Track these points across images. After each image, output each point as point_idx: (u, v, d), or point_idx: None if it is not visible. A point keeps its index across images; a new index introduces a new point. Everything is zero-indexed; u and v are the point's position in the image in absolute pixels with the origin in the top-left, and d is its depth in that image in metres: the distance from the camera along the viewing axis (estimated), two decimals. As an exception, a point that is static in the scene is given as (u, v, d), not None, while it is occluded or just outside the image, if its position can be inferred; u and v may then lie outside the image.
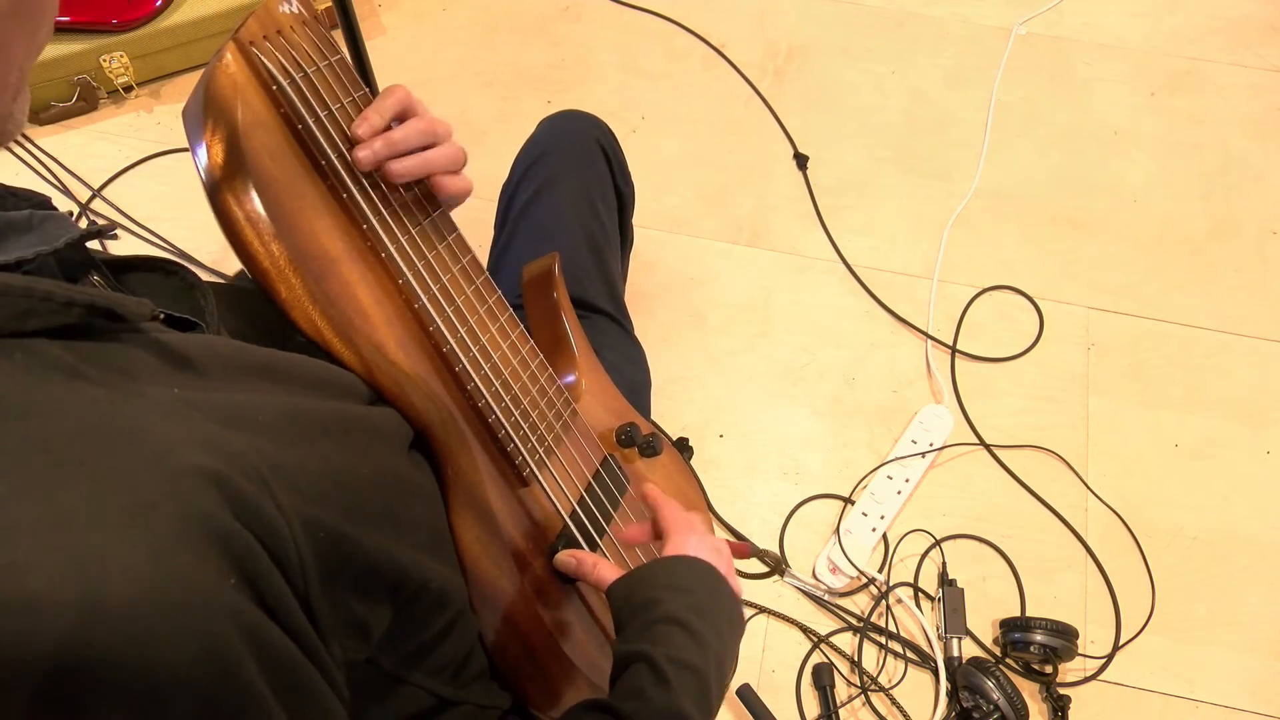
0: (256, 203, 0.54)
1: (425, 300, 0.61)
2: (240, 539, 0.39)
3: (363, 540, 0.48)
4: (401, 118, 0.62)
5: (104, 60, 1.59)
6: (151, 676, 0.34)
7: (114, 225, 0.52)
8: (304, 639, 0.42)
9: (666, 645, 0.60)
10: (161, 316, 0.47)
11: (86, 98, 1.63)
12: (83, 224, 0.47)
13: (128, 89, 1.65)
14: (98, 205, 1.54)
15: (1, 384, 0.37)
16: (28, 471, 0.35)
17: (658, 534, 0.73)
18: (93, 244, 0.49)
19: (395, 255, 0.60)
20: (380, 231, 0.60)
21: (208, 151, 0.53)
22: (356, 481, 0.50)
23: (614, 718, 0.58)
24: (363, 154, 0.59)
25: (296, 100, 0.56)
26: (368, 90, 0.61)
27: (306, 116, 0.56)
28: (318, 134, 0.57)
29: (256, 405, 0.46)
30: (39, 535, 0.34)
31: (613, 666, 0.62)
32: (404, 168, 0.60)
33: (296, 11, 0.58)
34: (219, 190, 0.53)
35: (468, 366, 0.63)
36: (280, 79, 0.55)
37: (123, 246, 1.47)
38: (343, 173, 0.58)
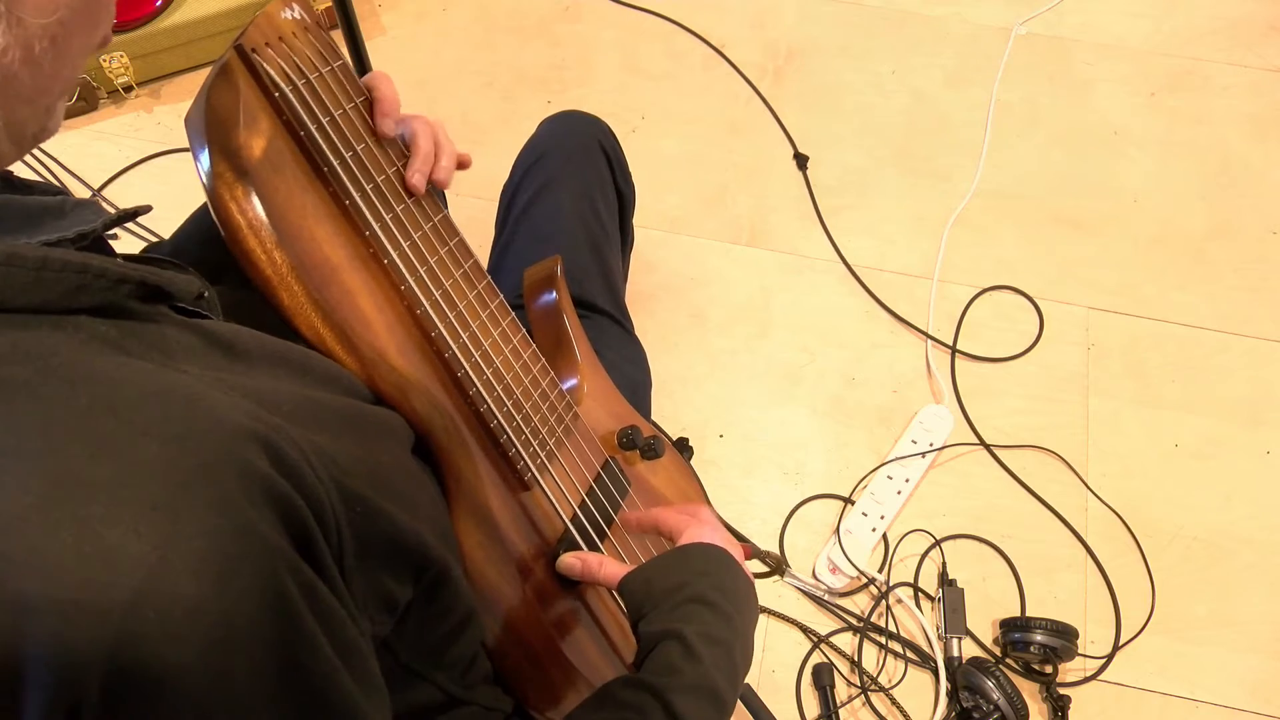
0: (259, 210, 0.54)
1: (428, 306, 0.61)
2: (291, 500, 0.40)
3: (392, 514, 0.49)
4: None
5: (104, 60, 1.59)
6: (226, 625, 0.36)
7: (147, 207, 0.53)
8: (345, 603, 0.44)
9: (695, 623, 0.61)
10: (207, 293, 0.49)
11: (86, 98, 1.63)
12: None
13: (128, 89, 1.65)
14: (98, 205, 1.54)
15: (64, 353, 0.39)
16: (99, 433, 0.37)
17: (668, 538, 0.74)
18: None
19: (398, 262, 0.60)
20: (383, 238, 0.60)
21: (210, 159, 0.54)
22: (377, 466, 0.51)
23: (649, 692, 0.58)
24: (418, 181, 0.63)
25: (299, 107, 0.56)
26: (370, 96, 0.61)
27: (309, 123, 0.56)
28: (320, 141, 0.57)
29: (278, 394, 0.47)
30: (115, 491, 0.35)
31: (639, 648, 0.63)
32: (449, 175, 0.65)
33: (298, 17, 0.58)
34: (221, 198, 0.53)
35: (469, 372, 0.63)
36: (282, 86, 0.55)
37: (123, 246, 1.47)
38: (345, 180, 0.58)
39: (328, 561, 0.43)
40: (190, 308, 0.50)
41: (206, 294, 0.49)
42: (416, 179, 0.62)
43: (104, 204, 1.46)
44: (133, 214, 0.48)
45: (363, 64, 1.30)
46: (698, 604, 0.62)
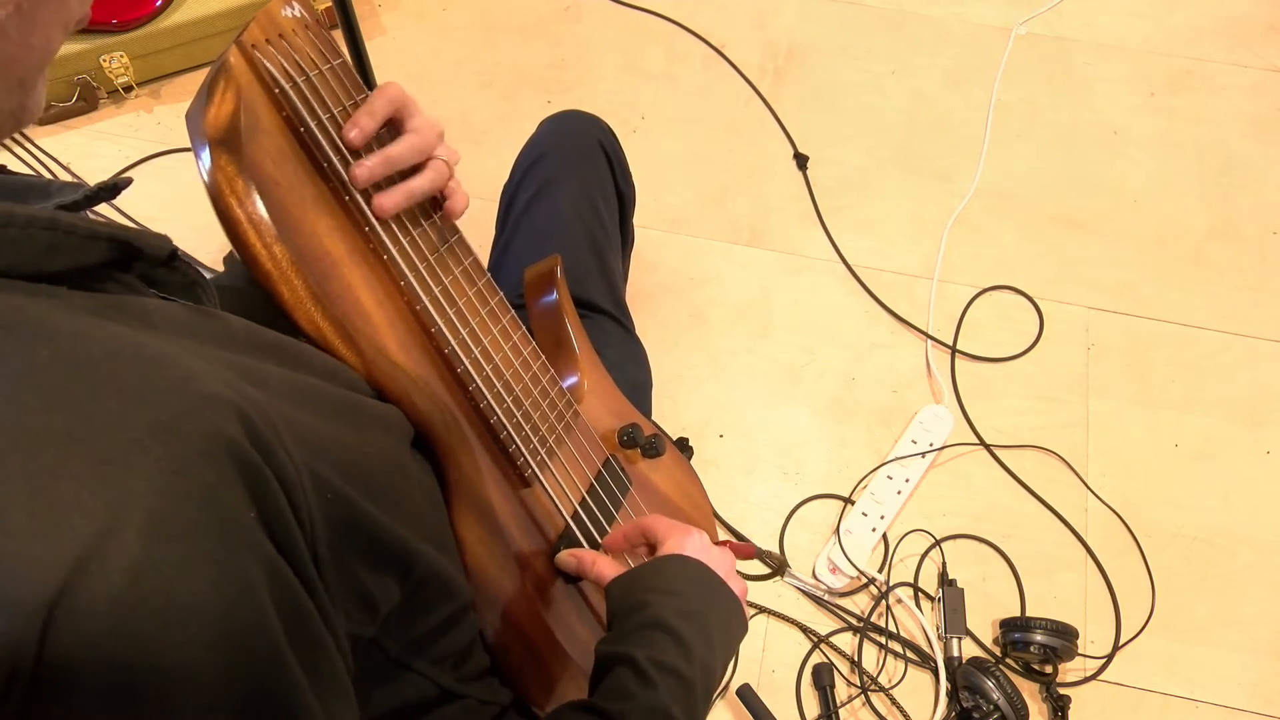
0: (259, 205, 0.54)
1: (427, 302, 0.61)
2: (261, 473, 0.39)
3: (370, 510, 0.48)
4: (395, 118, 0.61)
5: (104, 60, 1.59)
6: (168, 593, 0.34)
7: (128, 179, 0.52)
8: (315, 594, 0.42)
9: (650, 648, 0.59)
10: (179, 253, 0.47)
11: (86, 98, 1.62)
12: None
13: (128, 89, 1.65)
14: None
15: (33, 311, 0.38)
16: (58, 387, 0.36)
17: (651, 547, 0.72)
18: None
19: (397, 257, 0.60)
20: (382, 234, 0.60)
21: (211, 155, 0.54)
22: (363, 459, 0.50)
23: (600, 717, 0.57)
24: (360, 173, 0.58)
25: (299, 103, 0.56)
26: (370, 94, 0.61)
27: (309, 119, 0.57)
28: (320, 137, 0.57)
29: (266, 372, 0.46)
30: (67, 445, 0.34)
31: (594, 667, 0.61)
32: (390, 202, 0.59)
33: (299, 15, 0.58)
34: (222, 193, 0.54)
35: (469, 368, 0.63)
36: (282, 82, 0.56)
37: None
38: (345, 176, 0.58)
39: (300, 547, 0.41)
40: (181, 300, 0.50)
41: (179, 253, 0.48)
42: (360, 171, 0.58)
43: (97, 211, 1.46)
44: (113, 187, 0.47)
45: (363, 64, 1.30)
46: (656, 629, 0.60)
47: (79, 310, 0.40)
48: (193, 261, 0.53)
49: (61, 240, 0.40)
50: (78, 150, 1.60)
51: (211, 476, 0.36)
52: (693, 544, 0.68)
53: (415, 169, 0.62)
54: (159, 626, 0.34)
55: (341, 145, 0.58)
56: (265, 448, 0.39)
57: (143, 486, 0.34)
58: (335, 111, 0.58)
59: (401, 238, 0.61)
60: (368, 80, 1.32)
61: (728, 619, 0.66)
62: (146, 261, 0.46)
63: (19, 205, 0.39)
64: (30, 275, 0.39)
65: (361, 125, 0.58)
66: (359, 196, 0.59)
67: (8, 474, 0.33)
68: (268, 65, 0.55)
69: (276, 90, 0.56)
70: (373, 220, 0.59)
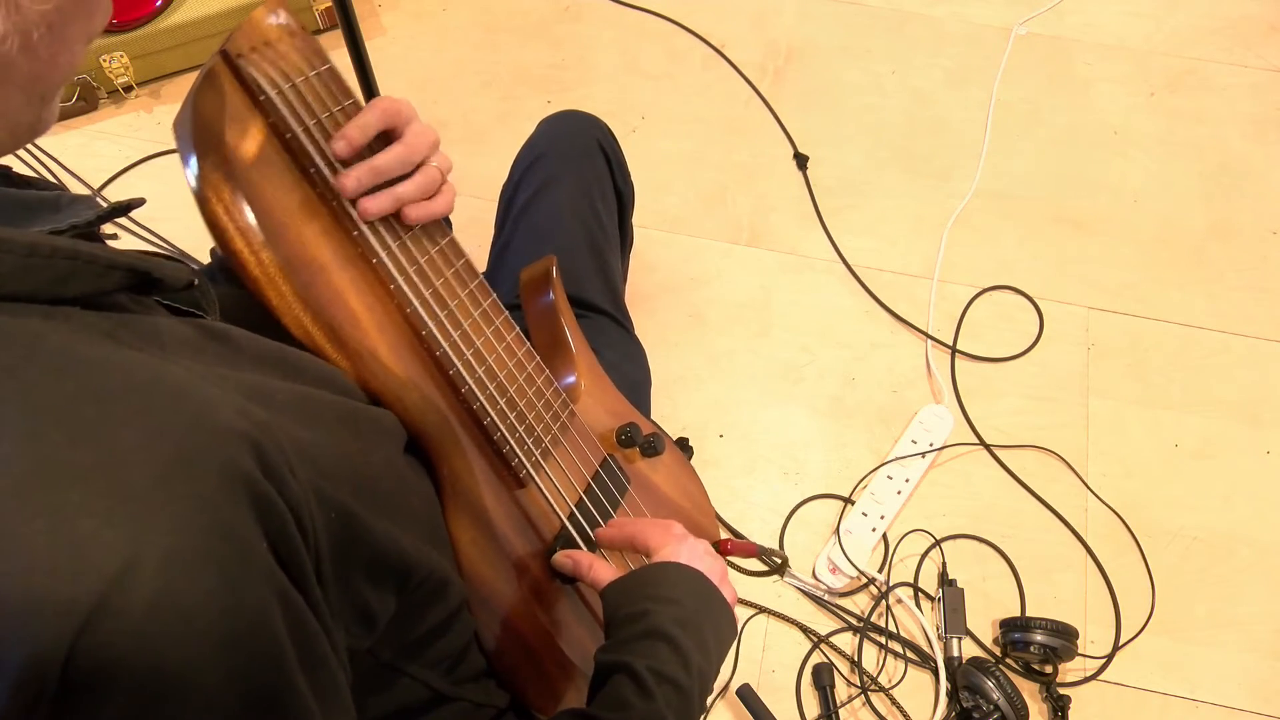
0: (246, 212, 0.54)
1: (417, 305, 0.61)
2: (273, 503, 0.40)
3: (371, 523, 0.49)
4: (389, 130, 0.61)
5: (104, 60, 1.60)
6: (186, 625, 0.35)
7: (141, 200, 0.53)
8: (320, 615, 0.43)
9: (649, 658, 0.60)
10: (197, 283, 0.48)
11: (86, 98, 1.63)
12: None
13: (128, 89, 1.66)
14: (98, 205, 1.53)
15: (53, 340, 0.39)
16: (82, 420, 0.36)
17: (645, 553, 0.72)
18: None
19: (386, 261, 0.60)
20: (370, 238, 0.60)
21: (197, 163, 0.54)
22: (365, 466, 0.51)
23: None
24: (348, 183, 0.58)
25: (284, 110, 0.56)
26: (357, 100, 0.61)
27: (295, 126, 0.57)
28: (306, 144, 0.57)
29: (272, 387, 0.47)
30: (93, 480, 0.35)
31: (593, 675, 0.62)
32: (375, 206, 0.59)
33: (284, 23, 0.58)
34: (208, 201, 0.54)
35: (461, 370, 0.63)
36: (267, 90, 0.56)
37: (122, 246, 1.47)
38: (331, 182, 0.58)
39: (307, 570, 0.42)
40: (186, 308, 0.50)
41: (197, 282, 0.49)
42: (347, 182, 0.58)
43: (101, 201, 1.46)
44: (126, 207, 0.48)
45: (363, 64, 1.30)
46: (654, 638, 0.60)
47: (94, 333, 0.41)
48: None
49: (82, 269, 0.41)
50: (78, 150, 1.60)
51: (228, 511, 0.38)
52: (685, 551, 0.68)
53: (405, 175, 0.61)
54: (176, 657, 0.35)
55: (328, 151, 0.58)
56: (276, 476, 0.40)
57: (163, 523, 0.35)
58: (322, 118, 0.58)
59: (390, 241, 0.61)
60: (368, 80, 1.32)
61: (721, 626, 0.66)
62: (163, 291, 0.47)
63: (41, 234, 0.40)
64: (47, 299, 0.40)
65: (350, 138, 0.58)
66: (346, 202, 0.59)
67: (33, 509, 0.34)
68: (253, 73, 0.55)
69: (261, 98, 0.56)
70: (360, 225, 0.59)
